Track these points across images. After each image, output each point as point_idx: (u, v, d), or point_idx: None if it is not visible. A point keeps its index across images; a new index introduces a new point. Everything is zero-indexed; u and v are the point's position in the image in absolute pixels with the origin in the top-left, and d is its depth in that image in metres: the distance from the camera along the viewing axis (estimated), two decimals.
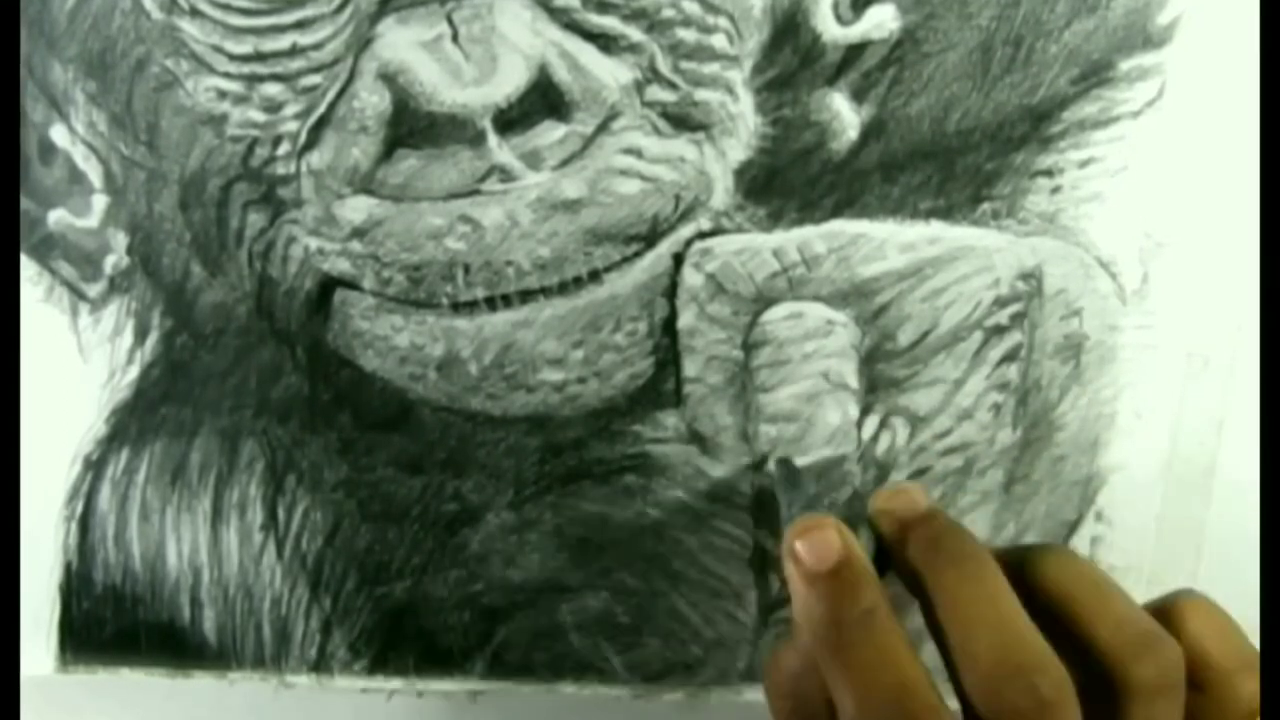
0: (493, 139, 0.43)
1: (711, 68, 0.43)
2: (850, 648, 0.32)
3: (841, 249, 0.44)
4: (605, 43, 0.43)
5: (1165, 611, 0.34)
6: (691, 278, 0.45)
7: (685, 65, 0.43)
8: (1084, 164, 0.44)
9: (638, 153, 0.44)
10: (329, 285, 0.45)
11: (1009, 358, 0.45)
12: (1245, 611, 0.35)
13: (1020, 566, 0.34)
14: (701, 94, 0.43)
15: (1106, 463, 0.47)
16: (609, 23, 0.43)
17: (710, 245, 0.45)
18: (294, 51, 0.43)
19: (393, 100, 0.43)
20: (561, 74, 0.43)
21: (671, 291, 0.45)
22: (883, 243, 0.44)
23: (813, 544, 0.34)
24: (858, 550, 0.34)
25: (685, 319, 0.45)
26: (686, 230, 0.45)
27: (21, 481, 0.46)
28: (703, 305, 0.45)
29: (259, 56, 0.43)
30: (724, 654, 0.49)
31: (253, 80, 0.43)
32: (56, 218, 0.46)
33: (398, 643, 0.49)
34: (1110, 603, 0.33)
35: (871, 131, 0.44)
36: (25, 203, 0.46)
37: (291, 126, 0.43)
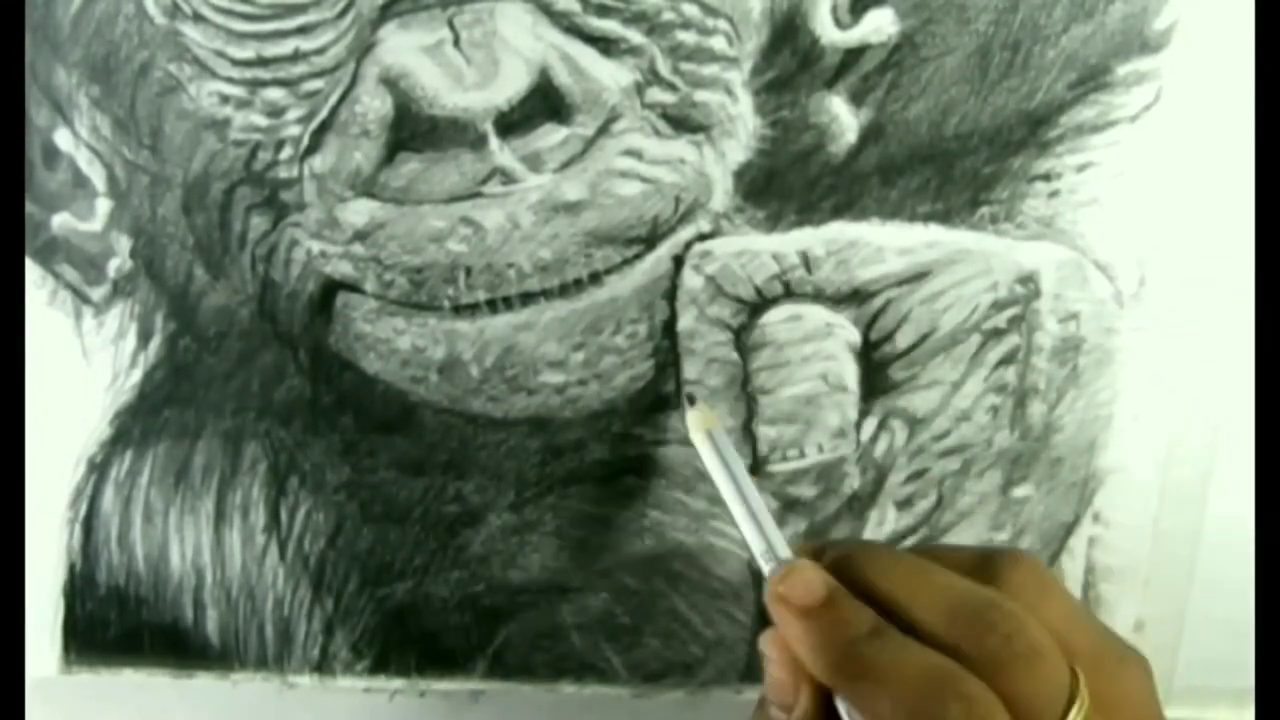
0: (494, 142, 0.43)
1: (711, 69, 0.43)
2: (874, 658, 0.33)
3: (840, 252, 0.45)
4: (605, 46, 0.43)
5: (987, 567, 0.34)
6: (691, 280, 0.45)
7: (685, 67, 0.43)
8: (1081, 168, 0.44)
9: (638, 154, 0.44)
10: (331, 288, 0.45)
11: (1007, 360, 0.45)
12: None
13: (841, 573, 0.35)
14: (701, 95, 0.44)
15: (1104, 464, 0.47)
16: (609, 26, 0.43)
17: (710, 247, 0.45)
18: (296, 56, 0.43)
19: (394, 104, 0.43)
20: (562, 77, 0.43)
21: (671, 294, 0.45)
22: (881, 246, 0.44)
23: (797, 584, 0.35)
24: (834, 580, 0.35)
25: (685, 321, 0.45)
26: (686, 232, 0.45)
27: (26, 484, 0.47)
28: (702, 307, 0.45)
29: (261, 61, 0.43)
30: (724, 654, 0.49)
31: (255, 85, 0.43)
32: (60, 221, 0.46)
33: (400, 643, 0.49)
34: (933, 589, 0.34)
35: (870, 135, 0.44)
36: (29, 207, 0.46)
37: (294, 131, 0.44)
